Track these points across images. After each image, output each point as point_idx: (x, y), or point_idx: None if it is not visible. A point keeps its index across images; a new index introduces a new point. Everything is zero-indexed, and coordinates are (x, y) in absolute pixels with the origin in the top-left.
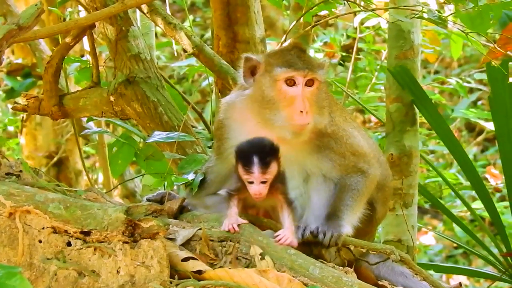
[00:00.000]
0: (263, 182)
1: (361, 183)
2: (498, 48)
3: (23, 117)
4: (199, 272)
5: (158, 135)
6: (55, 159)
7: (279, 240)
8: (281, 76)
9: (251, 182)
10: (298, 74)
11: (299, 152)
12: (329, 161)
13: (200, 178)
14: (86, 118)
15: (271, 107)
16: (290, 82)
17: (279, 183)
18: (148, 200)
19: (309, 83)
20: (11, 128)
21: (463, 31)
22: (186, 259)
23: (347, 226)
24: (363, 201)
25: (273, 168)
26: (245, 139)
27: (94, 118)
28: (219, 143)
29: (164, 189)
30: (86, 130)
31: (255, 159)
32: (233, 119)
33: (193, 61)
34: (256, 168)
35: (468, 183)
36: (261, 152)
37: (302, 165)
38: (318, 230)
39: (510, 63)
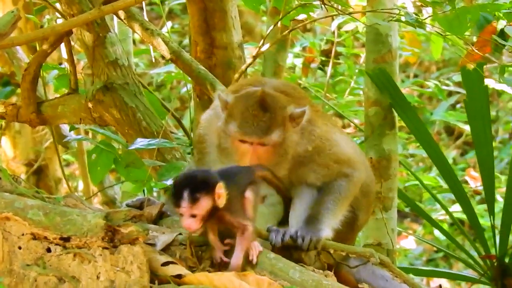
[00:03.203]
0: (194, 216)
1: (344, 186)
2: (476, 51)
3: (1, 126)
4: (179, 276)
5: (140, 142)
6: (35, 167)
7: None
8: (233, 134)
9: (182, 215)
10: (248, 139)
11: (281, 169)
12: (312, 173)
13: None
14: (69, 127)
15: (227, 151)
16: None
17: (229, 213)
18: (127, 205)
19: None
20: None
21: (441, 34)
22: (166, 264)
23: (327, 229)
24: (346, 204)
25: (204, 203)
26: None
27: (77, 126)
28: (200, 156)
29: (144, 195)
30: (67, 138)
31: (183, 193)
32: (213, 136)
33: (171, 68)
34: (182, 202)
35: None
36: (190, 186)
37: (284, 177)
38: (297, 234)
39: (485, 66)
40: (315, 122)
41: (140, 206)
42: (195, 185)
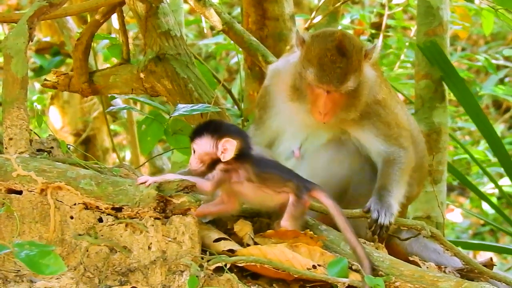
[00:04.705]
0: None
1: (404, 158)
2: None
3: (51, 95)
4: (231, 251)
5: (183, 108)
6: (83, 136)
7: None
8: (310, 81)
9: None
10: (325, 88)
11: (352, 111)
12: (374, 129)
13: None
14: (110, 96)
15: (300, 92)
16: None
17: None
18: None
19: None
20: (38, 106)
21: (492, 7)
22: (218, 240)
23: (396, 205)
24: (407, 177)
25: (203, 144)
26: (288, 107)
27: (117, 96)
28: (261, 112)
29: None
30: (111, 107)
31: (198, 128)
32: (278, 86)
33: (220, 39)
34: (192, 135)
35: (496, 160)
36: (206, 124)
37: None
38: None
39: None
40: (381, 84)
41: None
42: (209, 125)
